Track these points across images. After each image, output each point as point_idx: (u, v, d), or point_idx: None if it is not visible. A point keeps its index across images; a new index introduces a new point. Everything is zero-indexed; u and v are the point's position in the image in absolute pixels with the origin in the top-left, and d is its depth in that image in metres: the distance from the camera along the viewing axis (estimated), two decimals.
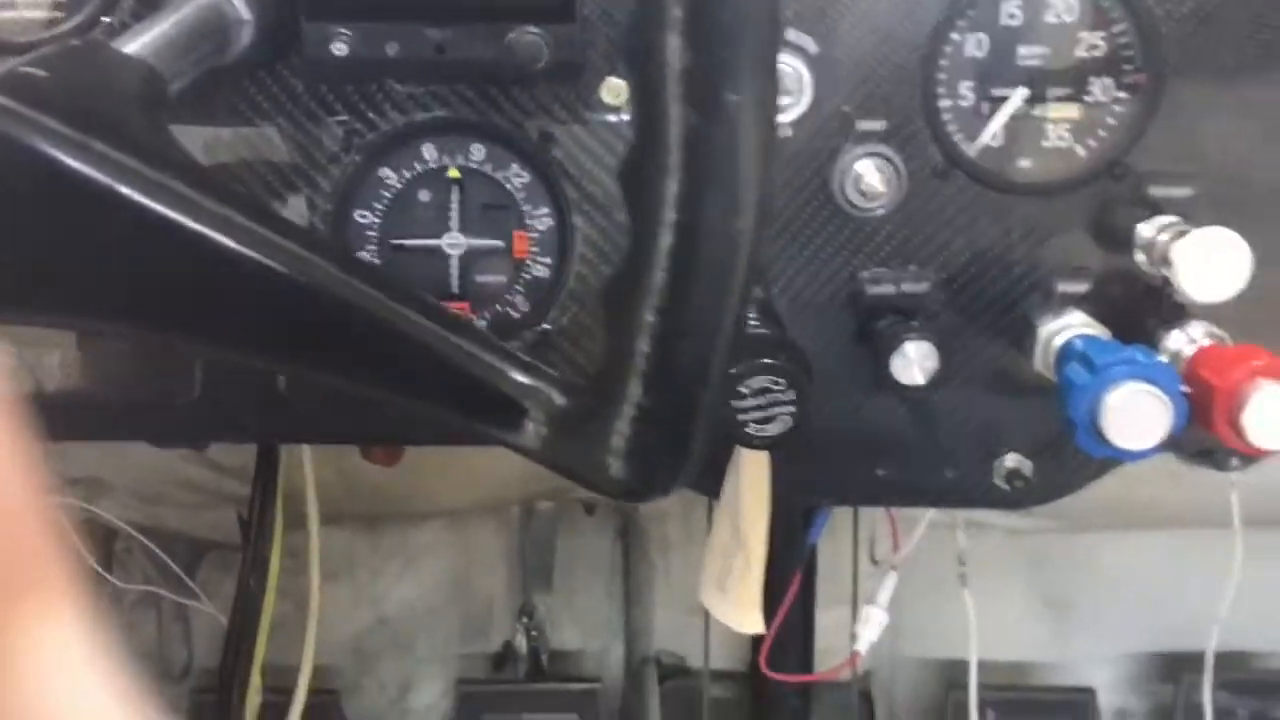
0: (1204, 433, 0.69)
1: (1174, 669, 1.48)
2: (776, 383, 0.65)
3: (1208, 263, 0.69)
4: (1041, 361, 0.75)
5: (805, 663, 1.24)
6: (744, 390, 0.65)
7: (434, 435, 0.73)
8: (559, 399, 0.44)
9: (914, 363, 0.72)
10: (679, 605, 1.49)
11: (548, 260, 0.71)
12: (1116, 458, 0.66)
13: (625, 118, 0.70)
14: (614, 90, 0.68)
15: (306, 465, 1.11)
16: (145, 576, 1.43)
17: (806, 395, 0.66)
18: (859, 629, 0.99)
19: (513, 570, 1.56)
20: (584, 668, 1.57)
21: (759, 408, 0.65)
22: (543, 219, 0.71)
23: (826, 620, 1.25)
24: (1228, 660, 1.50)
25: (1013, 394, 0.78)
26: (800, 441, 0.77)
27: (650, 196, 0.39)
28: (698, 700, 1.34)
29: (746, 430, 0.66)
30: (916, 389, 0.74)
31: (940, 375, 0.73)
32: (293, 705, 1.15)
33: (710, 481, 0.78)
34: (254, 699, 1.19)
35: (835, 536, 1.25)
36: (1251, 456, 0.80)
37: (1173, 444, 0.74)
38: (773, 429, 0.65)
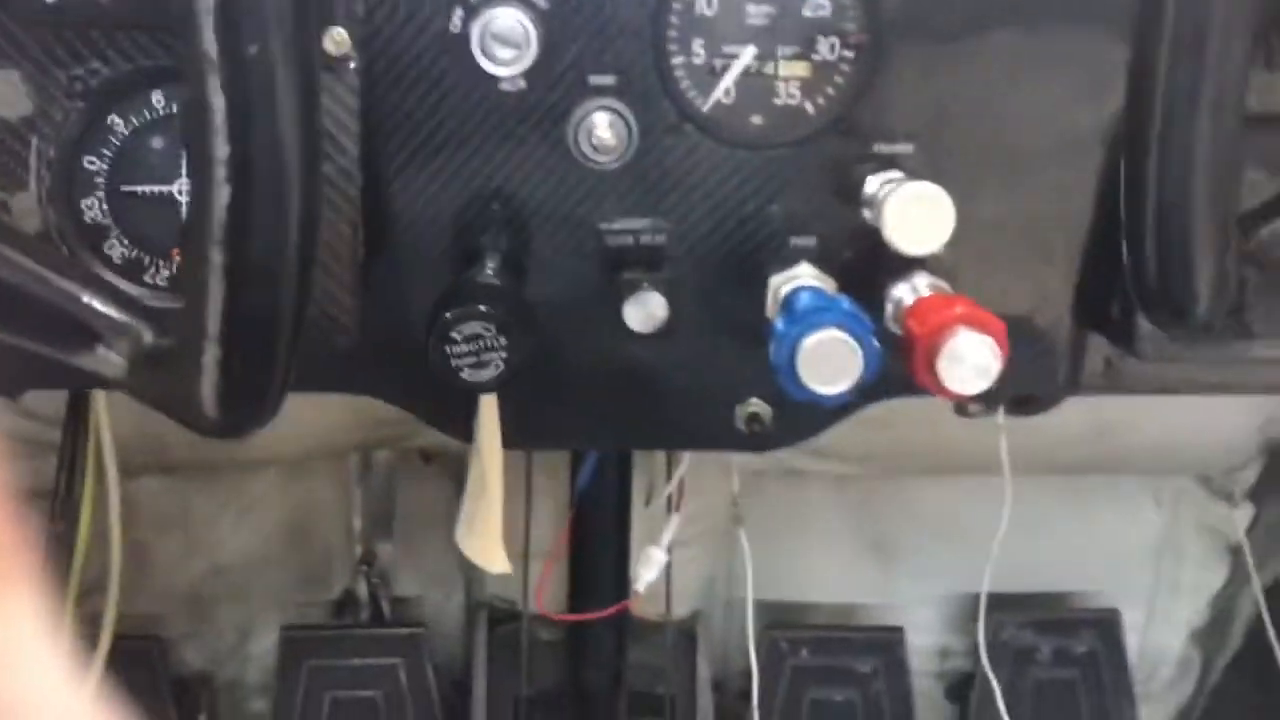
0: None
1: (992, 609, 1.54)
2: (487, 328, 0.67)
3: (913, 216, 0.72)
4: (772, 310, 0.78)
5: (618, 603, 1.28)
6: (455, 336, 0.67)
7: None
8: (148, 335, 0.46)
9: (643, 312, 0.75)
10: (511, 551, 1.51)
11: None
12: (817, 401, 0.69)
13: (353, 65, 0.71)
14: (337, 40, 0.69)
15: (100, 410, 1.11)
16: None
17: (520, 344, 0.68)
18: (639, 569, 1.03)
19: (351, 519, 1.58)
20: (425, 614, 1.60)
21: (472, 353, 0.67)
22: None
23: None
24: (1039, 601, 1.57)
25: (750, 341, 0.81)
26: (547, 387, 0.80)
27: (200, 127, 0.41)
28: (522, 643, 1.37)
29: (460, 375, 0.68)
30: (650, 337, 0.76)
31: (671, 324, 0.76)
32: (96, 651, 1.16)
33: (466, 427, 0.80)
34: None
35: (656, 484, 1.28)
36: (967, 402, 0.84)
37: (895, 386, 0.79)
38: (485, 374, 0.68)
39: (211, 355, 0.43)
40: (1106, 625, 1.50)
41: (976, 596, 1.63)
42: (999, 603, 1.54)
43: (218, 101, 0.40)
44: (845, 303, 0.70)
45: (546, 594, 1.39)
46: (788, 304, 0.73)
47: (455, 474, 1.58)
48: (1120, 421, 1.40)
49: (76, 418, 1.17)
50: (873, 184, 0.76)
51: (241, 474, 1.51)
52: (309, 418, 1.32)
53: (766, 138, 0.77)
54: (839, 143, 0.77)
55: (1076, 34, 0.76)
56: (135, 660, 1.33)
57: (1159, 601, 1.64)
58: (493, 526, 0.76)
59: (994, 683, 1.17)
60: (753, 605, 1.59)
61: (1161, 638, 1.64)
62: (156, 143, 0.73)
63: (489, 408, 0.74)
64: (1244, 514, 1.58)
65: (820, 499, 1.57)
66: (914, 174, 0.77)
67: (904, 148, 0.77)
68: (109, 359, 0.45)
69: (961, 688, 1.58)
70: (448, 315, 0.66)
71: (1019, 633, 1.48)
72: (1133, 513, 1.61)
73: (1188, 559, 1.63)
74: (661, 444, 0.83)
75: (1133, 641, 1.58)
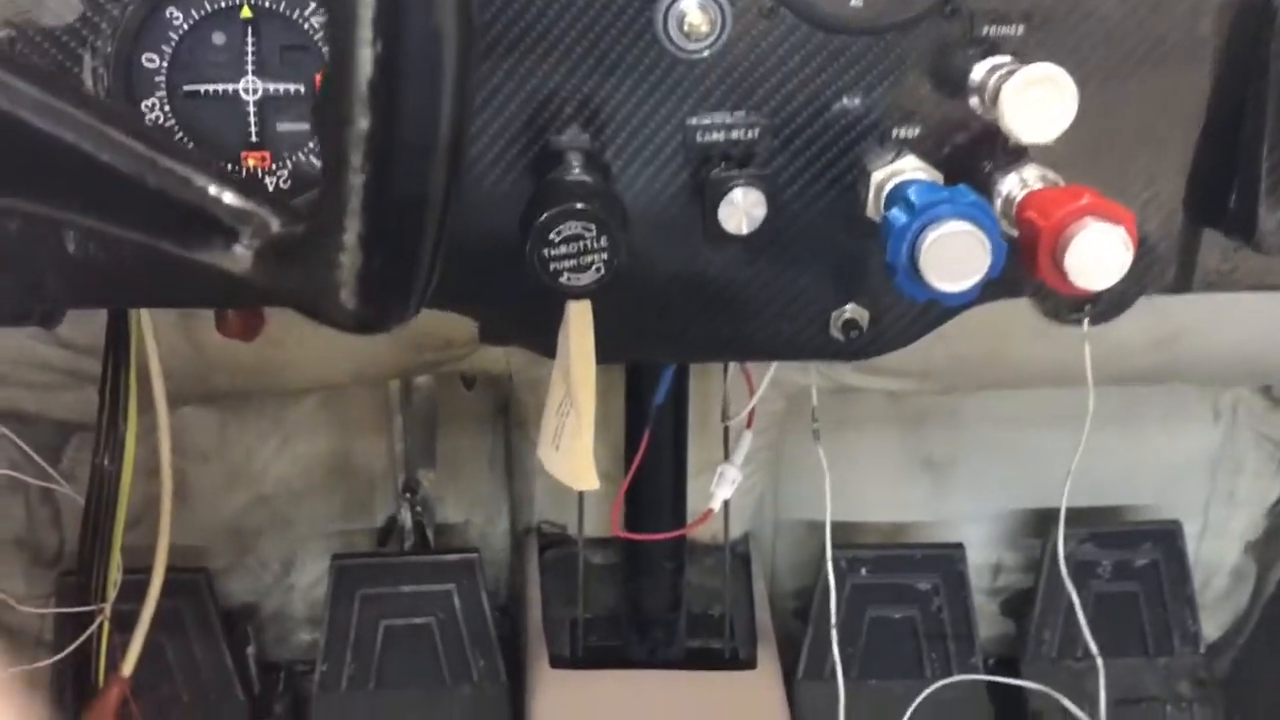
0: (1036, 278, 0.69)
1: (1044, 524, 1.52)
2: (587, 229, 0.63)
3: (1033, 102, 0.67)
4: (874, 208, 0.73)
5: (677, 525, 1.25)
6: (554, 238, 0.62)
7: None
8: (275, 224, 0.41)
9: (741, 211, 0.70)
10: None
11: None
12: (939, 300, 0.65)
13: None
14: None
15: (149, 339, 1.07)
16: (10, 462, 1.39)
17: (619, 244, 0.63)
18: (714, 487, 0.99)
19: (393, 446, 1.55)
20: (470, 540, 1.57)
21: (570, 255, 0.63)
22: None
23: (705, 484, 1.26)
24: (1096, 515, 1.55)
25: (848, 242, 0.76)
26: (631, 296, 0.76)
27: None
28: (577, 566, 1.35)
29: (560, 280, 0.63)
30: (746, 238, 0.72)
31: (769, 224, 0.71)
32: (150, 583, 1.13)
33: (545, 340, 0.76)
34: (115, 578, 1.17)
35: (709, 401, 1.25)
36: (1084, 300, 0.80)
37: (1002, 288, 0.74)
38: (586, 278, 0.63)
39: (352, 239, 0.39)
40: (1168, 537, 1.48)
41: (1029, 511, 1.61)
42: (1055, 516, 1.52)
43: None
44: (965, 191, 0.65)
45: (595, 516, 1.36)
46: (899, 197, 0.68)
47: (497, 398, 1.54)
48: (1183, 330, 1.35)
49: (117, 347, 1.13)
50: (980, 70, 0.71)
51: (282, 403, 1.48)
52: (349, 344, 1.28)
53: (867, 21, 0.71)
54: (945, 25, 0.72)
55: None
56: (184, 592, 1.31)
57: (1214, 512, 1.62)
58: (583, 443, 0.72)
59: (1074, 595, 1.14)
60: (804, 525, 1.57)
61: (1216, 549, 1.62)
62: (218, 38, 0.67)
63: (581, 316, 0.70)
64: None
65: (872, 416, 1.53)
66: (1023, 58, 0.71)
67: (1014, 30, 0.72)
68: (233, 252, 0.41)
69: (1017, 602, 1.57)
70: (545, 216, 0.62)
71: (1080, 547, 1.46)
72: (1190, 423, 1.58)
73: (1244, 470, 1.60)
74: (752, 355, 0.79)
75: (1188, 551, 1.55)
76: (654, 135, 0.73)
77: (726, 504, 1.21)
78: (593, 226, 0.62)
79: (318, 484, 1.53)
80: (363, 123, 0.36)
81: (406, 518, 1.57)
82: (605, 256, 0.63)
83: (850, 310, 0.78)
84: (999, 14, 0.71)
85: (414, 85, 0.37)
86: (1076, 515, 1.51)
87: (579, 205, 0.62)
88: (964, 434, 1.56)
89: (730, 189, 0.70)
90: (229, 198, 0.42)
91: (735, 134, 0.73)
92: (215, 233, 0.41)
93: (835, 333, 0.79)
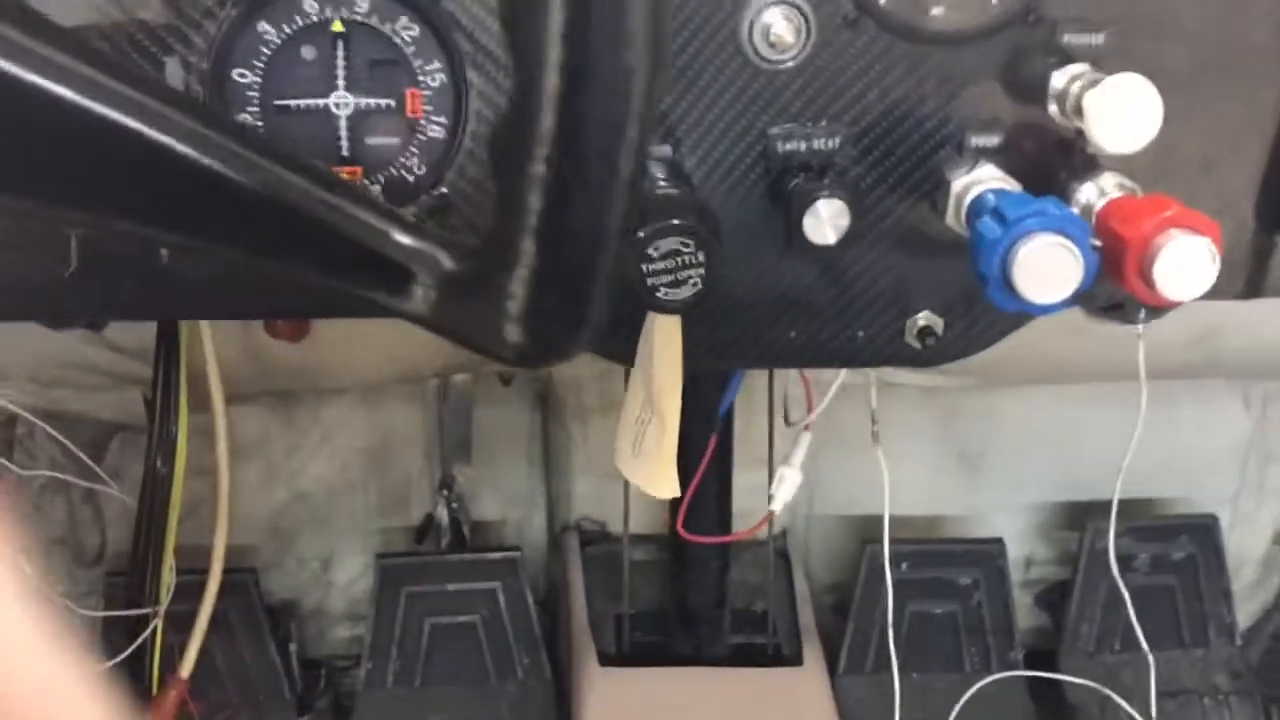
0: (1114, 286, 0.69)
1: (1078, 517, 1.53)
2: (685, 244, 0.63)
3: (1119, 111, 0.67)
4: (953, 217, 0.74)
5: (723, 523, 1.26)
6: (652, 253, 0.63)
7: (327, 307, 0.70)
8: (448, 261, 0.42)
9: (826, 221, 0.71)
10: (598, 471, 1.49)
11: (442, 119, 0.68)
12: (1028, 311, 0.66)
13: None
14: None
15: (207, 342, 1.08)
16: (52, 462, 1.39)
17: (716, 258, 0.64)
18: (774, 489, 1.00)
19: (431, 443, 1.55)
20: (506, 537, 1.58)
21: (668, 270, 0.63)
22: (435, 75, 0.67)
23: (744, 482, 1.27)
24: (1128, 507, 1.55)
25: (925, 251, 0.77)
26: (712, 305, 0.76)
27: (532, 33, 0.36)
28: (619, 563, 1.36)
29: (656, 294, 0.64)
30: (828, 248, 0.72)
31: (852, 233, 0.72)
32: (208, 583, 1.13)
33: (624, 348, 0.76)
34: (168, 580, 1.17)
35: (751, 399, 1.25)
36: (1162, 309, 0.80)
37: (1084, 297, 0.75)
38: (683, 293, 0.64)
39: (524, 276, 0.39)
40: (1204, 530, 1.49)
41: (1062, 504, 1.62)
42: (1087, 510, 1.53)
43: None
44: (1057, 203, 0.65)
45: (636, 513, 1.37)
46: (984, 207, 0.69)
47: (534, 396, 1.55)
48: (1217, 326, 1.36)
49: (168, 349, 1.13)
50: (1061, 78, 0.72)
51: (319, 401, 1.48)
52: (386, 342, 1.28)
53: (948, 30, 0.72)
54: (1025, 34, 0.72)
55: None
56: (233, 592, 1.31)
57: (1244, 503, 1.63)
58: (666, 452, 0.73)
59: (1124, 591, 1.15)
60: (837, 520, 1.58)
61: (1246, 539, 1.63)
62: (308, 53, 0.68)
63: (670, 329, 0.70)
64: None
65: (908, 410, 1.54)
66: (1104, 67, 0.72)
67: (1094, 39, 0.72)
68: (411, 294, 0.41)
69: (1051, 595, 1.57)
70: (644, 232, 0.62)
71: (1117, 540, 1.46)
72: (1220, 415, 1.59)
73: (1274, 461, 1.61)
74: (828, 361, 0.79)
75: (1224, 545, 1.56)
76: (735, 145, 0.73)
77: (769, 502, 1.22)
78: (691, 242, 0.63)
79: (356, 481, 1.53)
80: (541, 166, 0.36)
81: (443, 515, 1.57)
82: (703, 272, 0.63)
83: (925, 317, 0.79)
84: (1082, 21, 0.72)
85: (598, 128, 0.37)
86: (1107, 506, 1.52)
87: (680, 220, 0.62)
88: (998, 428, 1.56)
89: (815, 199, 0.70)
90: (402, 237, 0.42)
91: (816, 144, 0.73)
92: (391, 274, 0.41)
93: (911, 339, 0.79)
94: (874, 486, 1.54)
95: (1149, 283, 0.66)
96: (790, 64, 0.70)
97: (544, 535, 1.59)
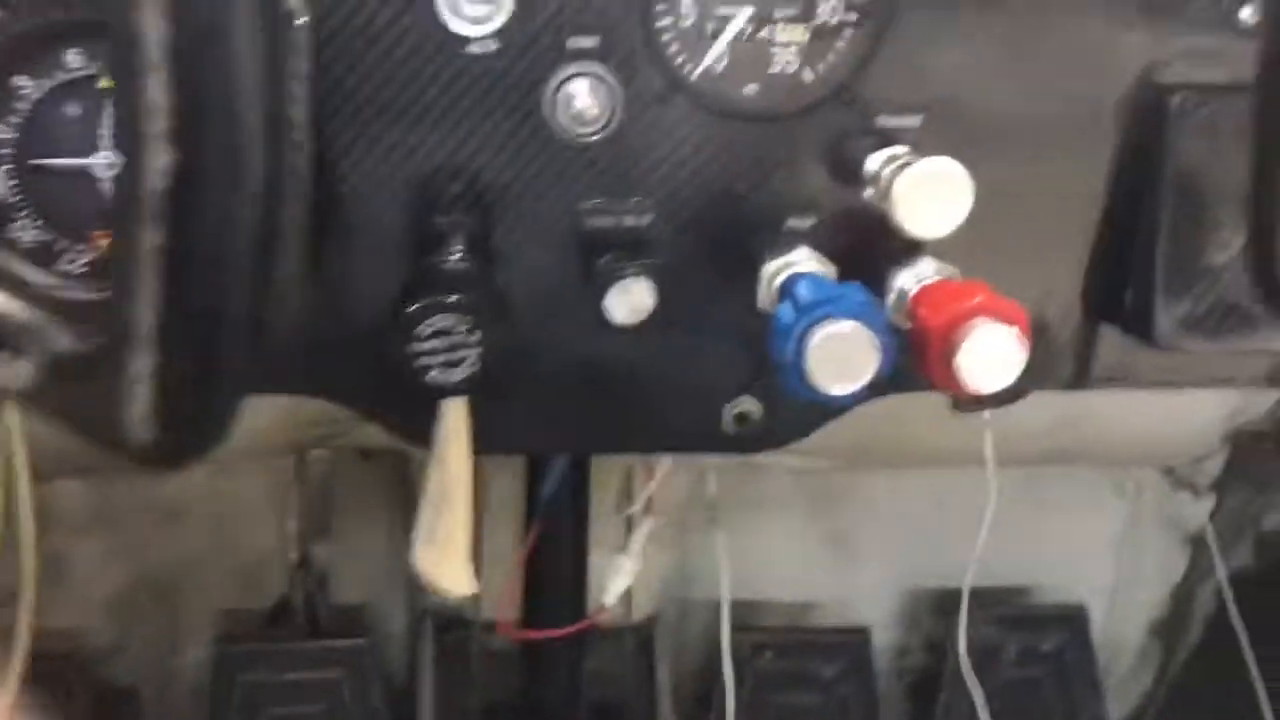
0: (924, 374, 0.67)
1: (948, 603, 1.50)
2: (459, 321, 0.59)
3: (926, 196, 0.65)
4: (766, 300, 0.71)
5: (576, 613, 1.20)
6: (423, 330, 0.59)
7: None
8: (64, 340, 0.37)
9: (631, 302, 0.68)
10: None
11: None
12: (823, 402, 0.63)
13: (302, 21, 0.62)
14: None
15: (10, 413, 1.01)
16: None
17: (495, 338, 0.60)
18: (608, 580, 0.95)
19: (286, 521, 1.48)
20: (365, 621, 1.51)
21: (441, 350, 0.59)
22: None
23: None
24: (1000, 595, 1.53)
25: (741, 334, 0.74)
26: (513, 385, 0.72)
27: (133, 101, 0.32)
28: (473, 652, 1.30)
29: (426, 376, 0.59)
30: (632, 330, 0.69)
31: (660, 315, 0.69)
32: (7, 675, 1.05)
33: (421, 431, 0.72)
34: None
35: (606, 485, 1.21)
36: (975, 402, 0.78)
37: (899, 383, 0.72)
38: (458, 374, 0.60)
39: (143, 362, 0.34)
40: (1074, 621, 1.47)
41: (935, 592, 1.59)
42: (960, 597, 1.50)
43: (154, 33, 0.30)
44: (856, 290, 0.63)
45: (496, 599, 1.31)
46: (789, 291, 0.66)
47: (397, 472, 1.49)
48: (1084, 413, 1.35)
49: None
50: (875, 161, 0.70)
51: (166, 475, 1.41)
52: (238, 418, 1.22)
53: (761, 109, 0.69)
54: (840, 115, 0.70)
55: (1092, 6, 0.70)
56: (51, 680, 1.23)
57: (1119, 593, 1.62)
58: (457, 545, 0.68)
59: (976, 695, 1.12)
60: (712, 605, 1.53)
61: (1122, 629, 1.62)
62: (72, 109, 0.63)
63: (457, 411, 0.66)
64: (1206, 504, 1.56)
65: (778, 492, 1.51)
66: (920, 150, 0.70)
67: (910, 121, 0.71)
68: (15, 368, 0.36)
69: (922, 685, 1.54)
70: (413, 307, 0.58)
71: (985, 630, 1.44)
72: (1094, 504, 1.58)
73: (1149, 550, 1.61)
74: (642, 447, 0.76)
75: (1093, 633, 1.55)
76: (542, 219, 0.70)
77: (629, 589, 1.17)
78: (465, 319, 0.59)
79: (204, 560, 1.45)
80: (150, 237, 0.32)
81: (299, 597, 1.50)
82: (478, 352, 0.59)
83: (743, 402, 0.76)
84: (896, 104, 0.70)
85: (213, 196, 0.33)
86: (981, 596, 1.49)
87: (450, 297, 0.58)
88: (870, 512, 1.54)
89: (618, 279, 0.67)
90: (13, 308, 0.37)
91: (627, 221, 0.71)
92: None
93: (728, 425, 0.76)
94: (743, 570, 1.51)
95: (952, 372, 0.63)
96: (597, 138, 0.68)
97: (405, 619, 1.53)
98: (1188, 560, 1.60)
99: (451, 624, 1.43)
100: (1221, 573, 1.51)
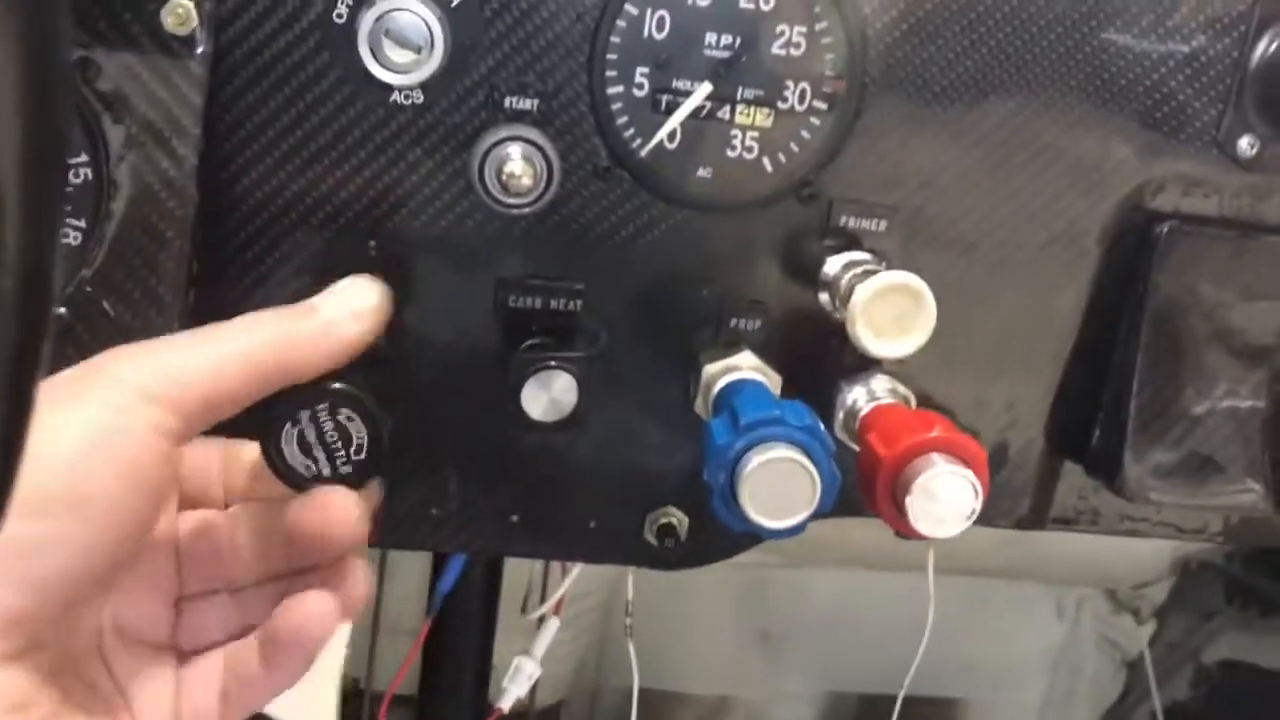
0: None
1: (874, 710, 1.44)
2: (342, 416, 0.51)
3: (888, 312, 0.59)
4: (703, 405, 0.64)
5: (478, 711, 1.11)
6: (295, 429, 0.50)
7: None
8: None
9: (546, 397, 0.60)
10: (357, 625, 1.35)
11: (80, 223, 0.55)
12: (756, 534, 0.55)
13: (200, 50, 0.54)
14: (178, 14, 0.53)
15: None
16: None
17: (380, 437, 0.52)
18: (507, 682, 0.87)
19: None
20: None
21: (315, 446, 0.51)
22: (77, 170, 0.55)
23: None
24: (931, 707, 1.47)
25: (672, 439, 0.67)
26: (417, 472, 0.65)
27: None
28: None
29: (301, 475, 0.51)
30: (551, 426, 0.61)
31: (581, 413, 0.61)
32: None
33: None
34: None
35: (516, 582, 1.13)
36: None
37: (836, 510, 0.65)
38: (330, 472, 0.52)
39: None
40: None
41: (861, 697, 1.52)
42: (887, 703, 1.43)
43: None
44: (801, 411, 0.56)
45: (392, 671, 1.22)
46: (726, 403, 0.59)
47: None
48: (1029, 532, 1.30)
49: None
50: (834, 264, 0.63)
51: None
52: None
53: (713, 196, 0.63)
54: (799, 211, 0.64)
55: (1082, 120, 0.64)
56: None
57: (1051, 712, 1.57)
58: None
59: None
60: (622, 692, 1.45)
61: None
62: None
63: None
64: (1147, 630, 1.52)
65: (706, 582, 1.43)
66: (883, 257, 0.64)
67: (875, 225, 0.64)
68: None
69: None
70: (284, 402, 0.50)
71: None
72: (1033, 619, 1.54)
73: (1085, 671, 1.56)
74: (554, 553, 0.68)
75: None
76: (460, 293, 0.63)
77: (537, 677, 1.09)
78: (353, 414, 0.51)
79: None
80: None
81: None
82: (361, 453, 0.51)
83: (669, 513, 0.68)
84: (861, 206, 0.64)
85: None
86: (910, 705, 1.43)
87: (333, 385, 0.50)
88: (804, 610, 1.48)
89: (538, 371, 0.60)
90: None
91: (554, 304, 0.63)
92: None
93: (649, 537, 0.69)
94: (667, 660, 1.43)
95: (900, 512, 0.56)
96: (529, 210, 0.60)
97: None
98: (1123, 684, 1.56)
99: (349, 695, 1.33)
100: (1157, 702, 1.46)
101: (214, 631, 0.52)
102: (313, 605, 0.49)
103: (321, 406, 0.49)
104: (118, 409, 0.44)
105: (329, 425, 0.50)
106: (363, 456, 0.52)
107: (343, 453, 0.51)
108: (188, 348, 0.47)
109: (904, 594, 1.38)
